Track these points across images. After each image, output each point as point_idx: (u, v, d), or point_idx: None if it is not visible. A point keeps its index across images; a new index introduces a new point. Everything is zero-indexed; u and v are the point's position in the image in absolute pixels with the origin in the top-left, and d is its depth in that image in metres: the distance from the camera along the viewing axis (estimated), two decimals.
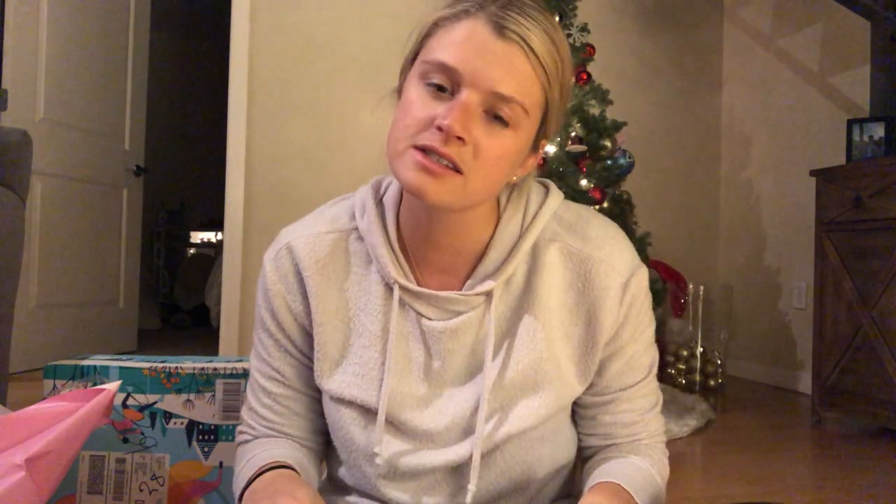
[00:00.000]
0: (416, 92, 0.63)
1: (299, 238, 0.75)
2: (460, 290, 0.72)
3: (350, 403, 0.72)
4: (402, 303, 0.72)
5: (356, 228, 0.75)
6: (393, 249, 0.71)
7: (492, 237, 0.71)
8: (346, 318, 0.73)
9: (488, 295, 0.70)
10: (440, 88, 0.62)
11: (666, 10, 3.70)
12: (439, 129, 0.60)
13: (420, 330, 0.72)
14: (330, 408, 0.75)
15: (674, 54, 3.71)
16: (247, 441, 0.80)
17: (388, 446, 0.72)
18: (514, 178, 0.69)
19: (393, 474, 0.73)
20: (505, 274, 0.70)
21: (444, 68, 0.62)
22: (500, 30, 0.61)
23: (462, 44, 0.61)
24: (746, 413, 2.70)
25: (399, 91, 0.68)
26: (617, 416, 0.76)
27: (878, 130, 2.52)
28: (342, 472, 0.79)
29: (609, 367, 0.74)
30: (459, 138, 0.60)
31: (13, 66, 2.90)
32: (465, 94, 0.61)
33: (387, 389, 0.70)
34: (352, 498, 0.78)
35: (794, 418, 2.65)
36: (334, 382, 0.73)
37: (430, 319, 0.71)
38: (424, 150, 0.61)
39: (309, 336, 0.76)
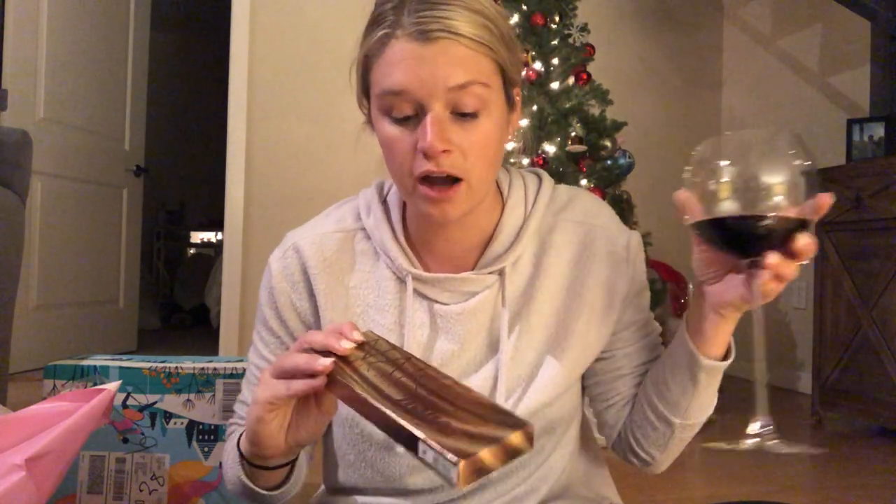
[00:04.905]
0: (388, 129, 0.66)
1: (305, 238, 0.77)
2: None
3: None
4: (415, 292, 0.73)
5: (362, 228, 0.77)
6: (401, 244, 0.74)
7: (497, 223, 0.74)
8: (354, 315, 0.75)
9: (500, 274, 0.73)
10: (406, 119, 0.65)
11: (666, 10, 3.70)
12: (424, 154, 0.63)
13: (433, 317, 0.74)
14: (340, 406, 0.75)
15: (674, 54, 3.71)
16: (234, 432, 0.80)
17: None
18: (510, 137, 0.71)
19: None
20: (513, 255, 0.73)
21: (395, 94, 0.64)
22: (423, 36, 0.62)
23: (397, 65, 0.63)
24: (746, 413, 2.69)
25: (370, 123, 0.71)
26: (635, 367, 0.79)
27: (878, 130, 2.52)
28: (349, 475, 0.78)
29: (625, 322, 0.78)
30: (444, 151, 0.63)
31: (13, 66, 2.90)
32: (429, 112, 0.63)
33: None
34: (363, 498, 0.78)
35: (794, 418, 2.65)
36: None
37: (445, 304, 0.73)
38: (425, 178, 0.64)
39: None
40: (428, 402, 0.52)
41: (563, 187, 0.80)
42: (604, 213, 0.78)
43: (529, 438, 0.50)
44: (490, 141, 0.66)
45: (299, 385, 0.57)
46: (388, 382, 0.55)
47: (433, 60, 0.62)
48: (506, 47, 0.67)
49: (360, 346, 0.59)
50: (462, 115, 0.64)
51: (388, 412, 0.51)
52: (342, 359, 0.58)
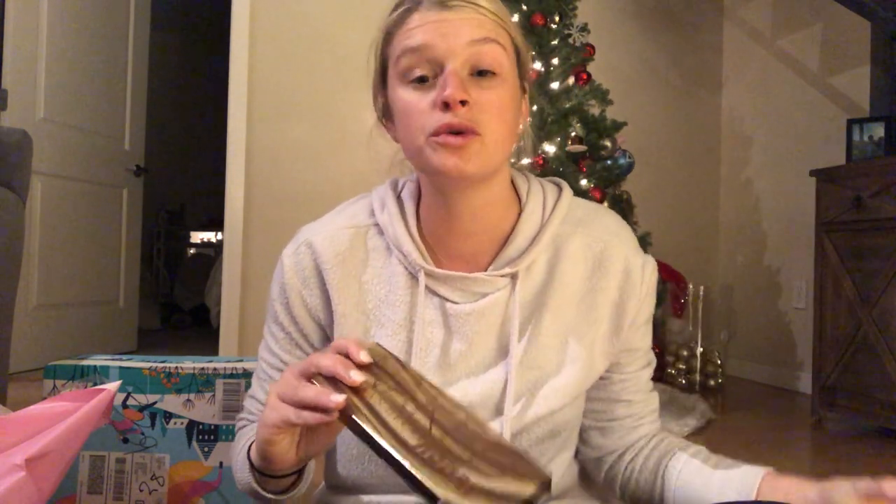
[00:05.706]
0: (405, 94, 0.67)
1: (319, 234, 0.77)
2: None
3: None
4: (426, 289, 0.73)
5: (375, 224, 0.77)
6: (414, 239, 0.74)
7: (514, 226, 0.74)
8: (366, 310, 0.75)
9: (513, 277, 0.73)
10: (422, 80, 0.66)
11: (666, 10, 3.70)
12: (444, 104, 0.63)
13: (444, 315, 0.73)
14: None
15: (674, 54, 3.71)
16: (244, 426, 0.81)
17: None
18: (521, 127, 0.74)
19: None
20: (527, 260, 0.73)
21: (415, 50, 0.66)
22: (444, 4, 0.66)
23: (419, 28, 0.66)
24: (746, 413, 2.70)
25: (385, 111, 0.73)
26: (631, 395, 0.80)
27: (878, 130, 2.52)
28: (351, 470, 0.79)
29: (628, 346, 0.78)
30: (463, 102, 0.64)
31: (13, 66, 2.90)
32: (448, 66, 0.65)
33: None
34: (367, 497, 0.78)
35: (794, 418, 2.65)
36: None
37: (455, 303, 0.73)
38: (440, 132, 0.64)
39: (322, 331, 0.78)
40: (444, 448, 0.52)
41: (583, 201, 0.80)
42: (623, 233, 0.77)
43: (546, 487, 0.51)
44: (506, 106, 0.67)
45: (309, 416, 0.56)
46: (401, 420, 0.54)
47: (454, 22, 0.65)
48: (520, 34, 0.70)
49: (368, 366, 0.58)
50: (480, 74, 0.66)
51: (406, 464, 0.51)
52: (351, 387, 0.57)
